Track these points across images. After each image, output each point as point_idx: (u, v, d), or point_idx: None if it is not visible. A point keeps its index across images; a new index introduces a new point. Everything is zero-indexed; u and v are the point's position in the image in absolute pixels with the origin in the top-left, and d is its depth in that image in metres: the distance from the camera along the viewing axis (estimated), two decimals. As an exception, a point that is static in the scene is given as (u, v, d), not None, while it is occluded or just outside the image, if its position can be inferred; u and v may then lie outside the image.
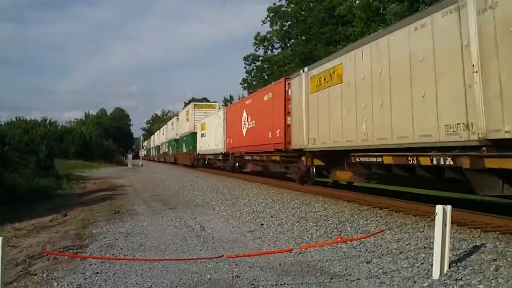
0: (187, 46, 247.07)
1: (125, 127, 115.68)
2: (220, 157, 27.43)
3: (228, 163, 25.91)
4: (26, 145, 25.90)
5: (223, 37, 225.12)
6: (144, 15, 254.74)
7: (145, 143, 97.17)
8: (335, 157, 12.56)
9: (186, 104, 69.89)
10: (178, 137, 44.81)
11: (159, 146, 69.29)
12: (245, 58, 50.38)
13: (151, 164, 63.06)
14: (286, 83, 16.22)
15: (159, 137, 69.21)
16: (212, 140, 29.55)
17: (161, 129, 68.49)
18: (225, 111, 26.81)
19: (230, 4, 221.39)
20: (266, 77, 45.70)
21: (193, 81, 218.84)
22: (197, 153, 34.53)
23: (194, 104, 39.80)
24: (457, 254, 5.89)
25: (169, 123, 57.11)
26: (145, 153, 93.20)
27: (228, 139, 25.39)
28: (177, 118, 47.78)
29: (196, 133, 35.42)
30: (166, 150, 57.32)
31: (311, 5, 42.08)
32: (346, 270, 5.67)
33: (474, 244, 6.39)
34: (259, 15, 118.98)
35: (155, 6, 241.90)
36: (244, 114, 21.86)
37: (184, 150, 40.60)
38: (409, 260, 5.83)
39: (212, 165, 32.07)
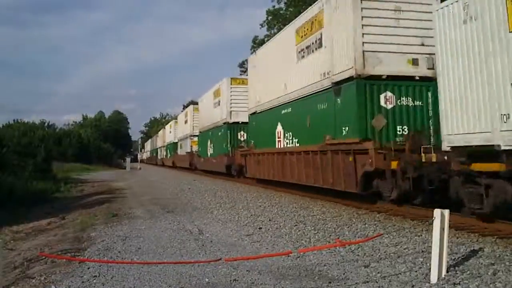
0: (186, 50, 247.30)
1: (123, 130, 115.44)
2: None
3: None
4: (24, 147, 25.86)
5: (222, 41, 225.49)
6: (142, 19, 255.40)
7: (147, 143, 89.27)
8: None
9: (185, 107, 59.93)
10: (239, 120, 23.07)
11: (175, 144, 45.10)
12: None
13: (152, 168, 57.61)
14: None
15: (176, 131, 44.89)
16: None
17: (180, 116, 43.92)
18: None
19: (229, 8, 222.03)
20: None
21: (192, 84, 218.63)
22: None
23: None
24: (455, 258, 5.90)
25: (206, 97, 29.58)
26: (149, 155, 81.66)
27: None
28: (231, 81, 23.78)
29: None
30: (196, 150, 33.23)
31: (310, 8, 42.29)
32: (344, 274, 5.67)
33: (472, 248, 6.40)
34: (257, 18, 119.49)
35: (154, 10, 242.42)
36: None
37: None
38: (407, 264, 5.83)
39: None
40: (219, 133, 24.72)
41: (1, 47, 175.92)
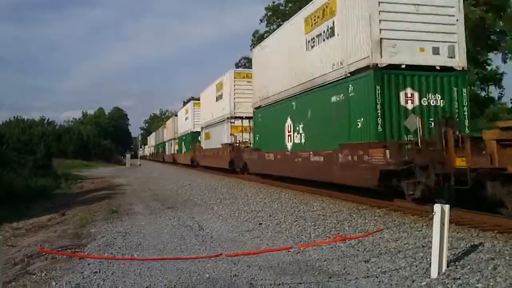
0: (186, 46, 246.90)
1: (123, 126, 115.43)
2: None
3: None
4: (24, 144, 25.88)
5: (222, 37, 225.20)
6: (142, 15, 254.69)
7: (151, 137, 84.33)
8: None
9: (185, 103, 57.30)
10: (401, 62, 9.98)
11: (195, 134, 34.04)
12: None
13: (153, 165, 56.33)
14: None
15: (196, 116, 34.01)
16: None
17: (206, 93, 30.49)
18: None
19: (229, 4, 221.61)
20: None
21: (192, 81, 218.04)
22: None
23: None
24: (455, 253, 5.90)
25: (280, 36, 16.41)
26: (153, 151, 75.00)
27: None
28: None
29: None
30: (241, 139, 23.12)
31: (309, 4, 42.22)
32: (344, 269, 5.67)
33: (472, 243, 6.40)
34: (258, 15, 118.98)
35: (154, 6, 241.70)
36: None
37: None
38: (408, 259, 5.83)
39: None
40: (334, 99, 11.82)
41: (0, 43, 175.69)
